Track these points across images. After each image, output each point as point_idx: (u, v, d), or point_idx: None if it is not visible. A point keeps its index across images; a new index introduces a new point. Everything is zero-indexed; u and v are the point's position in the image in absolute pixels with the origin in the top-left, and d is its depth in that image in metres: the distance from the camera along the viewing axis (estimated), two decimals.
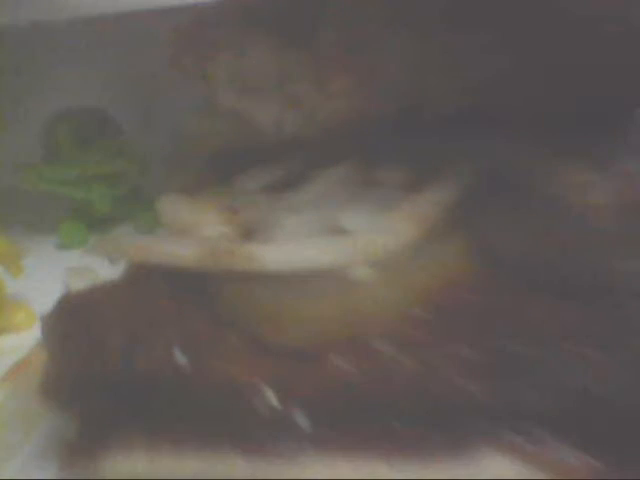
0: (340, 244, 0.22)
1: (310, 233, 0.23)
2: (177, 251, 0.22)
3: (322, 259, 0.22)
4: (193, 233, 0.23)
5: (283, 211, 0.23)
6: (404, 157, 0.25)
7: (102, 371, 0.21)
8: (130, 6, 0.34)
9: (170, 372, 0.21)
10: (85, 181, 0.35)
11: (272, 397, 0.20)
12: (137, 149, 0.36)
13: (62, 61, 0.37)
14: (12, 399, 0.28)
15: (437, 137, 0.25)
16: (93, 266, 0.36)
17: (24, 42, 0.37)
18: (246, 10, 0.28)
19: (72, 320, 0.23)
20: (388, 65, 0.25)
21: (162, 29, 0.32)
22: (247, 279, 0.22)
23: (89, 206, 0.37)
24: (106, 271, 0.36)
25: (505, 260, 0.22)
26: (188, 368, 0.21)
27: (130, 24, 0.34)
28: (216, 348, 0.21)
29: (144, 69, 0.37)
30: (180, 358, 0.21)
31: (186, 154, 0.32)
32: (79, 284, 0.35)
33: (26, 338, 0.32)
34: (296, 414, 0.20)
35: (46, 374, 0.22)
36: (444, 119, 0.25)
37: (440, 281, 0.22)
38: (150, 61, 0.36)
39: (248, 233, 0.23)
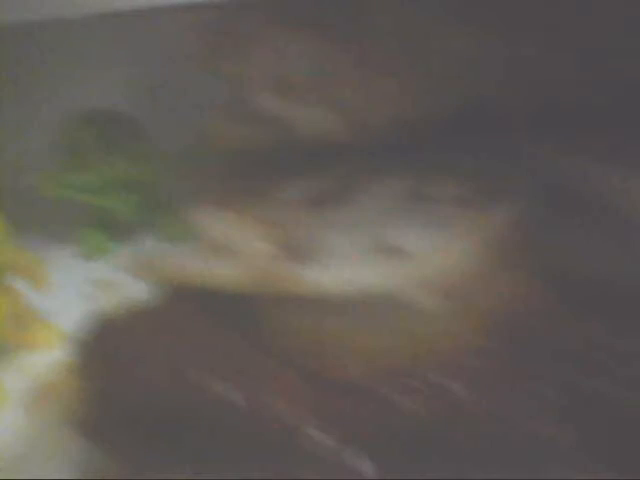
0: (397, 266, 0.20)
1: (362, 253, 0.21)
2: (221, 273, 0.20)
3: (378, 283, 0.20)
4: (233, 250, 0.22)
5: (330, 227, 0.22)
6: (454, 168, 0.24)
7: (141, 404, 0.20)
8: (153, 1, 0.32)
9: (218, 407, 0.19)
10: (108, 188, 0.33)
11: (328, 436, 0.19)
12: (161, 154, 0.34)
13: (81, 61, 0.35)
14: (38, 426, 0.27)
15: (490, 147, 0.24)
16: (117, 278, 0.36)
17: (41, 41, 0.35)
18: (282, 5, 0.26)
19: (107, 348, 0.21)
20: (440, 68, 0.23)
21: (187, 26, 0.30)
22: (296, 303, 0.20)
23: (111, 214, 0.35)
24: (131, 284, 0.35)
25: (574, 283, 0.21)
26: (237, 403, 0.19)
27: (153, 20, 0.32)
28: (266, 382, 0.19)
29: (168, 68, 0.35)
30: (229, 392, 0.19)
31: (212, 160, 0.31)
32: (104, 298, 0.35)
33: (50, 356, 0.31)
34: (355, 456, 0.18)
35: (80, 405, 0.21)
36: (497, 128, 0.23)
37: (505, 307, 0.20)
38: (175, 60, 0.35)
39: (292, 251, 0.22)
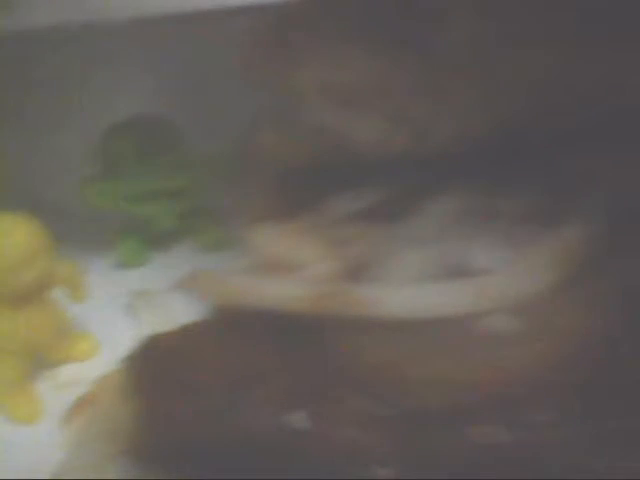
0: (470, 287, 0.19)
1: (432, 273, 0.20)
2: (282, 293, 0.19)
3: (450, 305, 0.19)
4: (293, 269, 0.21)
5: (393, 244, 0.21)
6: (522, 184, 0.23)
7: (199, 430, 0.19)
8: (197, 5, 0.31)
9: (281, 435, 0.18)
10: (148, 197, 0.32)
11: (400, 470, 0.18)
12: (202, 162, 0.33)
13: (120, 66, 0.34)
14: (80, 445, 0.26)
15: (559, 162, 0.23)
16: (157, 289, 0.35)
17: (77, 46, 0.34)
18: (340, 10, 0.25)
19: (158, 366, 0.20)
20: (508, 81, 0.22)
21: (232, 31, 0.29)
22: (362, 326, 0.19)
23: (149, 222, 0.33)
24: (171, 295, 0.34)
25: None
26: (301, 431, 0.18)
27: (198, 25, 0.31)
28: (332, 409, 0.18)
29: (211, 76, 0.33)
30: (293, 419, 0.18)
31: (256, 171, 0.30)
32: (145, 309, 0.34)
33: (89, 369, 0.30)
34: None
35: (133, 430, 0.20)
36: (566, 143, 0.22)
37: (583, 326, 0.19)
38: (218, 67, 0.34)
39: (355, 269, 0.21)
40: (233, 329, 0.20)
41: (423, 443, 0.18)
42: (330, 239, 0.22)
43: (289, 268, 0.21)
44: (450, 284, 0.19)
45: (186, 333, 0.20)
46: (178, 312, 0.32)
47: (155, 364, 0.20)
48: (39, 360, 0.28)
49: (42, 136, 0.34)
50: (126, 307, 0.32)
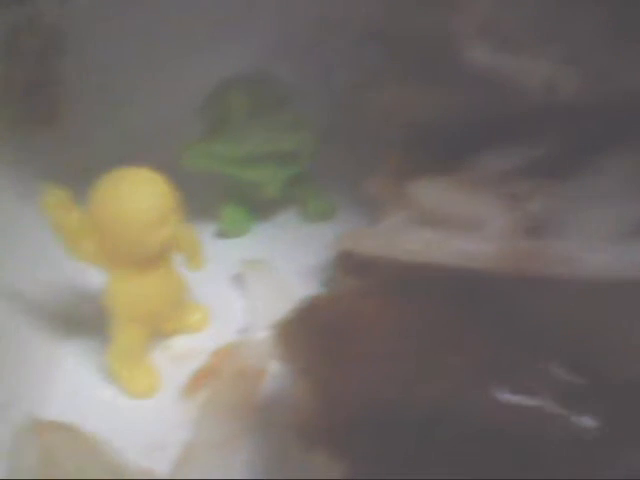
0: None
1: (619, 230, 0.18)
2: (475, 249, 0.17)
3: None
4: (468, 226, 0.19)
5: (579, 201, 0.19)
6: None
7: (379, 405, 0.17)
8: None
9: (485, 411, 0.17)
10: (256, 160, 0.30)
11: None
12: (313, 125, 0.30)
13: (227, 20, 0.31)
14: (206, 420, 0.24)
15: None
16: (265, 257, 0.33)
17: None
18: None
19: (325, 339, 0.18)
20: None
21: None
22: (556, 286, 0.18)
23: (253, 189, 0.31)
24: (282, 263, 0.33)
25: None
26: (507, 406, 0.17)
27: None
28: (533, 379, 0.17)
29: (322, 23, 0.31)
30: (494, 392, 0.17)
31: (384, 128, 0.28)
32: (255, 279, 0.32)
33: (202, 340, 0.28)
34: None
35: (297, 407, 0.18)
36: None
37: None
38: (332, 12, 0.31)
39: (538, 227, 0.19)
40: (404, 292, 0.19)
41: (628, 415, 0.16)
42: (501, 195, 0.20)
43: (462, 224, 0.19)
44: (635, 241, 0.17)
45: (347, 299, 0.19)
46: (288, 282, 0.32)
47: (314, 335, 0.18)
48: (156, 332, 0.27)
49: (145, 97, 0.32)
50: (234, 277, 0.31)
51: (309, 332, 0.19)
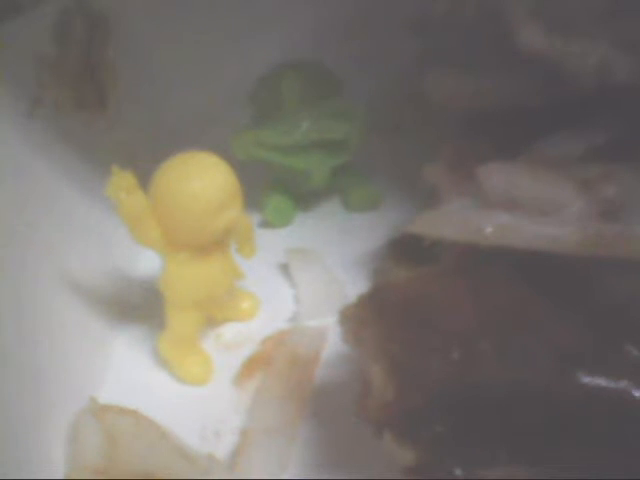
0: None
1: None
2: (555, 233, 0.17)
3: None
4: (544, 209, 0.19)
5: None
6: None
7: (458, 390, 0.17)
8: None
9: (566, 394, 0.16)
10: (304, 149, 0.30)
11: None
12: (362, 114, 0.30)
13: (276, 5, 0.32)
14: (261, 406, 0.24)
15: None
16: (311, 246, 0.33)
17: None
18: None
19: (398, 323, 0.18)
20: None
21: None
22: (636, 271, 0.17)
23: (298, 178, 0.31)
24: (326, 253, 0.33)
25: None
26: (589, 389, 0.16)
27: None
28: (613, 360, 0.17)
29: (376, 13, 0.30)
30: (578, 376, 0.16)
31: (436, 115, 0.28)
32: (302, 267, 0.32)
33: (252, 328, 0.28)
34: None
35: (372, 394, 0.18)
36: None
37: None
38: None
39: (611, 211, 0.19)
40: (478, 275, 0.18)
41: None
42: (574, 179, 0.19)
43: (537, 208, 0.19)
44: None
45: (421, 280, 0.19)
46: (334, 271, 0.32)
47: (390, 315, 0.18)
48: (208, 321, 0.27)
49: (191, 83, 0.32)
50: (280, 266, 0.31)
51: (379, 316, 0.19)
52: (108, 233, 0.27)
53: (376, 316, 0.19)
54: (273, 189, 0.32)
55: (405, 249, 0.24)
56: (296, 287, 0.29)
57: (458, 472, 0.16)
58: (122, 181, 0.21)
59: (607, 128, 0.21)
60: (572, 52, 0.21)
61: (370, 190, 0.32)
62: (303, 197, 0.32)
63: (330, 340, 0.26)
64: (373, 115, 0.31)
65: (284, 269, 0.30)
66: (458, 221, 0.18)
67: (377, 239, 0.30)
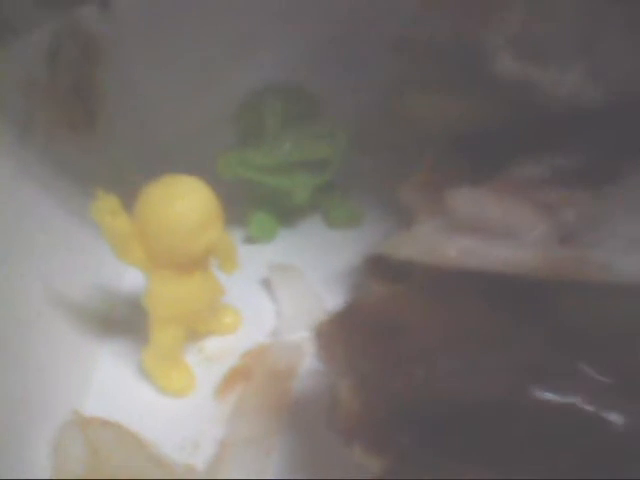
0: None
1: None
2: (515, 256, 0.18)
3: None
4: (504, 233, 0.20)
5: (612, 209, 0.20)
6: None
7: (420, 403, 0.18)
8: None
9: (521, 408, 0.17)
10: (287, 168, 0.31)
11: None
12: (342, 134, 0.31)
13: (259, 29, 0.32)
14: (240, 418, 0.25)
15: None
16: (294, 262, 0.34)
17: (214, 9, 0.33)
18: None
19: (366, 340, 0.19)
20: None
21: None
22: (594, 292, 0.18)
23: (281, 196, 0.32)
24: (308, 269, 0.34)
25: None
26: (543, 404, 0.17)
27: None
28: (568, 378, 0.18)
29: (354, 37, 0.32)
30: (532, 392, 0.17)
31: (411, 137, 0.29)
32: (283, 283, 0.33)
33: (234, 342, 0.29)
34: None
35: (340, 407, 0.19)
36: None
37: None
38: (361, 22, 0.32)
39: (573, 235, 0.20)
40: (442, 295, 0.20)
41: None
42: (536, 203, 0.20)
43: (499, 232, 0.20)
44: None
45: (392, 300, 0.20)
46: (314, 286, 0.33)
47: (359, 332, 0.19)
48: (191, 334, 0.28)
49: (178, 106, 0.33)
50: (262, 282, 0.32)
51: (350, 333, 0.20)
52: (96, 251, 0.28)
53: (346, 333, 0.20)
54: (257, 206, 0.33)
55: (380, 266, 0.25)
56: (277, 302, 0.30)
57: None
58: (106, 204, 0.22)
59: (575, 152, 0.22)
60: (545, 79, 0.23)
61: (351, 208, 0.33)
62: (286, 214, 0.34)
63: (308, 354, 0.28)
64: (355, 135, 0.32)
65: (267, 284, 0.31)
66: (424, 244, 0.19)
67: (357, 255, 0.31)
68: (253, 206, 0.33)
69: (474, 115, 0.25)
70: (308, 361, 0.27)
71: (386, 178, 0.31)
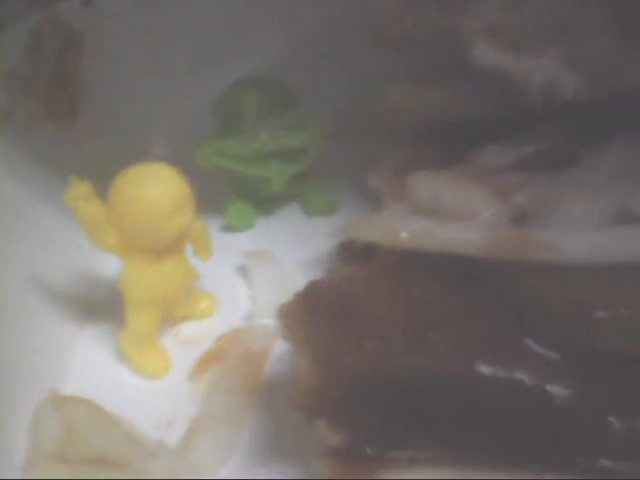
0: None
1: (600, 220, 0.20)
2: (464, 237, 0.19)
3: (626, 251, 0.19)
4: (461, 216, 0.21)
5: (565, 193, 0.21)
6: None
7: (373, 379, 0.19)
8: None
9: (469, 383, 0.18)
10: (264, 157, 0.32)
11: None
12: (318, 125, 0.32)
13: (238, 25, 0.33)
14: (213, 397, 0.26)
15: None
16: (272, 249, 0.35)
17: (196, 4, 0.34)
18: None
19: (326, 318, 0.20)
20: None
21: None
22: (540, 272, 0.19)
23: (259, 185, 0.33)
24: (285, 256, 0.34)
25: None
26: (489, 379, 0.18)
27: None
28: (513, 354, 0.19)
29: (328, 25, 0.32)
30: (480, 367, 0.18)
31: (389, 127, 0.29)
32: (259, 269, 0.34)
33: (209, 326, 0.30)
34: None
35: (300, 383, 0.20)
36: None
37: None
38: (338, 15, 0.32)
39: (525, 217, 0.21)
40: (401, 275, 0.20)
41: (609, 387, 0.18)
42: (494, 187, 0.21)
43: (457, 215, 0.20)
44: (626, 230, 0.19)
45: (350, 280, 0.21)
46: (290, 272, 0.33)
47: (317, 315, 0.20)
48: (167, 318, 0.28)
49: (159, 97, 0.33)
50: (239, 268, 0.32)
51: (311, 312, 0.21)
52: (76, 236, 0.29)
53: (307, 313, 0.21)
54: (235, 195, 0.34)
55: (349, 250, 0.26)
56: (253, 287, 0.31)
57: (368, 451, 0.18)
58: (79, 190, 0.23)
59: (538, 139, 0.23)
60: (521, 69, 0.23)
61: (328, 196, 0.34)
62: (264, 202, 0.34)
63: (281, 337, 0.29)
64: (331, 124, 0.33)
65: (244, 271, 0.32)
66: (380, 227, 0.20)
67: (334, 242, 0.33)
68: (231, 195, 0.34)
69: (448, 105, 0.26)
70: (281, 344, 0.28)
71: (362, 166, 0.32)
